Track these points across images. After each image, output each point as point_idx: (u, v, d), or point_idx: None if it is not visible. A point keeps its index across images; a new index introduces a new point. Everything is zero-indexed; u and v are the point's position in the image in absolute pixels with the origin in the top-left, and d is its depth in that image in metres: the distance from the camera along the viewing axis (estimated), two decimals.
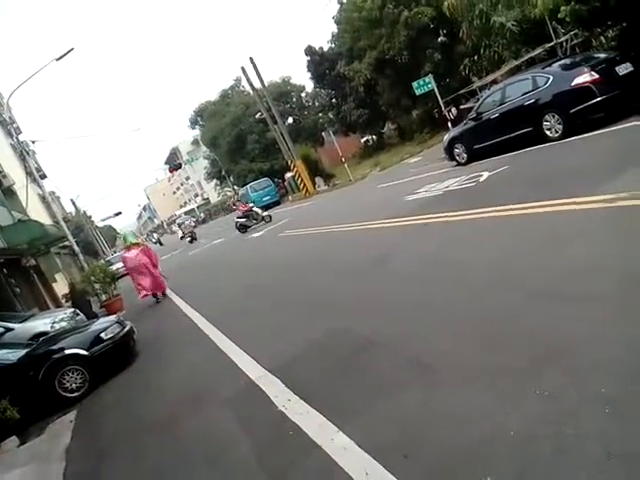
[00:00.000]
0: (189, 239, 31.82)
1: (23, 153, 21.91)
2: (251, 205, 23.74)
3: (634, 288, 3.39)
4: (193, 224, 60.06)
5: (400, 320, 4.69)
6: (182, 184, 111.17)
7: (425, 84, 21.77)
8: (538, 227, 5.55)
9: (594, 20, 13.89)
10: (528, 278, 4.33)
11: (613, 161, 6.87)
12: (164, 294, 13.43)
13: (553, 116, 10.08)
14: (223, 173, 48.96)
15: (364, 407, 3.42)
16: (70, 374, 7.10)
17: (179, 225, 44.33)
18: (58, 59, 18.24)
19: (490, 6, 19.80)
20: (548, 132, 10.26)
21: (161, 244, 41.68)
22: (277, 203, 34.48)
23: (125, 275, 22.55)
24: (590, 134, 9.28)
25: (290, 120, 42.65)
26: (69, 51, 18.13)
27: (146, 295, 13.18)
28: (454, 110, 21.81)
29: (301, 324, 5.91)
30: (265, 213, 22.82)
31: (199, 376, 5.81)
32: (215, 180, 56.75)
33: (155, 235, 62.60)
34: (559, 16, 14.40)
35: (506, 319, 3.78)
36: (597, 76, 9.47)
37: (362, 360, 4.19)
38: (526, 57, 18.42)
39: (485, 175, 9.85)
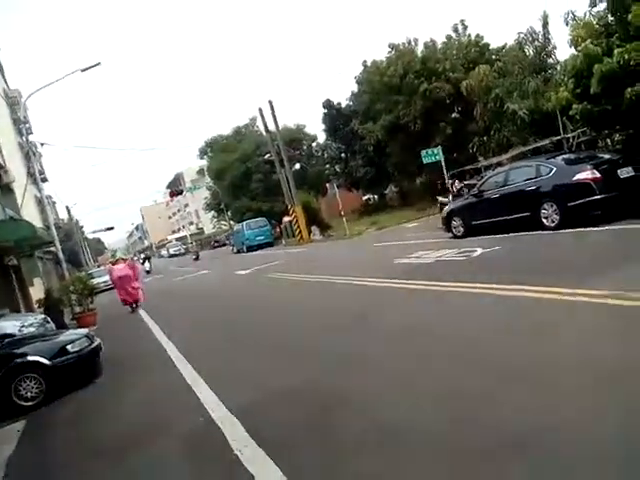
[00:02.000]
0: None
1: (29, 153, 22.01)
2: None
3: (604, 384, 3.39)
4: (183, 250, 62.10)
5: (374, 381, 4.60)
6: (179, 210, 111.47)
7: (433, 154, 22.28)
8: (522, 311, 5.55)
9: (603, 122, 14.43)
10: (501, 360, 4.30)
11: (604, 259, 6.98)
12: (137, 305, 15.60)
13: (551, 206, 10.31)
14: (222, 206, 49.15)
15: (322, 468, 3.30)
16: (27, 381, 6.85)
17: (146, 259, 42.72)
18: (83, 70, 18.62)
19: (506, 93, 20.65)
20: (545, 220, 10.45)
21: (142, 263, 41.64)
22: (270, 244, 34.51)
23: (107, 290, 22.48)
24: (584, 229, 9.47)
25: (297, 166, 43.23)
26: (95, 65, 18.54)
27: (126, 302, 15.70)
28: (457, 184, 22.25)
29: (273, 370, 5.78)
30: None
31: (159, 405, 5.63)
32: (213, 212, 56.86)
33: (142, 256, 62.23)
34: (570, 113, 14.97)
35: (476, 398, 3.70)
36: (599, 175, 9.76)
37: (329, 417, 4.07)
38: (533, 146, 19.00)
39: (478, 251, 9.94)
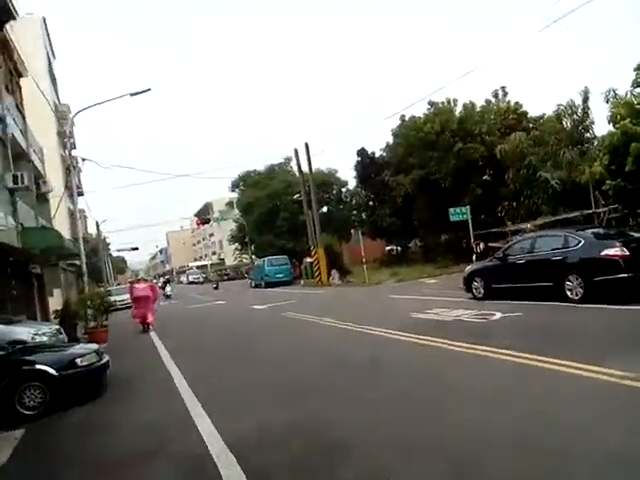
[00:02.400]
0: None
1: (70, 167, 22.75)
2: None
3: (615, 466, 3.24)
4: (202, 279, 62.96)
5: (378, 430, 4.51)
6: (204, 239, 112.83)
7: (461, 213, 22.27)
8: (537, 382, 5.40)
9: (636, 200, 14.33)
10: (508, 428, 4.19)
11: (627, 338, 6.82)
12: (149, 326, 16.04)
13: (576, 278, 10.15)
14: (246, 240, 49.66)
15: None
16: (32, 390, 6.87)
17: (166, 282, 42.72)
18: (133, 95, 19.37)
19: (540, 161, 20.78)
20: (568, 292, 10.27)
21: (164, 289, 41.40)
22: (288, 283, 34.51)
23: (123, 309, 22.86)
24: (608, 306, 9.28)
25: (324, 209, 43.64)
26: (146, 90, 19.27)
27: (138, 321, 16.24)
28: (482, 245, 22.11)
29: (275, 410, 5.70)
30: None
31: (158, 432, 5.56)
32: (237, 244, 57.45)
33: (162, 279, 62.79)
34: (603, 188, 14.96)
35: (477, 463, 3.60)
36: (627, 253, 9.62)
37: (326, 463, 3.97)
38: (563, 216, 18.92)
39: (497, 315, 9.80)
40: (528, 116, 28.55)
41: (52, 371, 7.04)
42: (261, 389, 6.79)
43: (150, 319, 16.20)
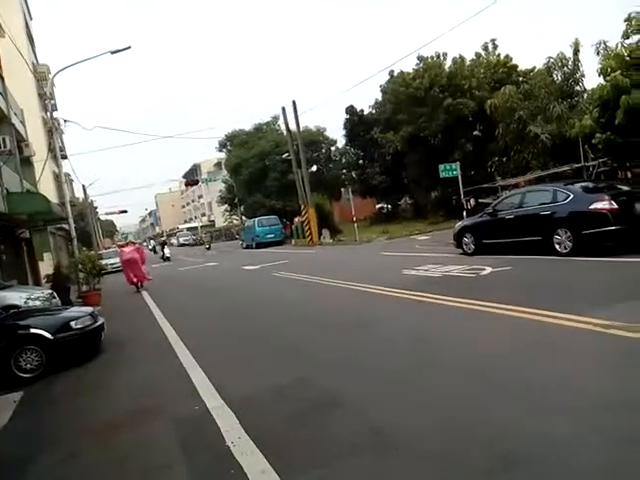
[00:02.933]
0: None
1: (52, 129, 22.20)
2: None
3: (599, 412, 3.35)
4: (192, 241, 62.46)
5: (372, 387, 4.60)
6: (193, 200, 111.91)
7: (451, 169, 22.20)
8: (526, 333, 5.52)
9: (625, 153, 14.35)
10: (501, 378, 4.29)
11: (613, 289, 6.95)
12: (142, 285, 16.96)
13: (565, 232, 10.25)
14: (236, 201, 49.31)
15: (311, 465, 3.32)
16: (28, 354, 6.93)
17: (163, 244, 39.76)
18: (113, 53, 18.73)
19: (529, 115, 20.63)
20: (557, 246, 10.40)
21: (155, 252, 40.83)
22: (279, 243, 34.55)
23: (114, 272, 23.08)
24: (596, 259, 9.42)
25: (314, 168, 43.29)
26: (126, 48, 18.63)
27: (132, 283, 16.79)
28: (472, 201, 22.20)
29: (272, 366, 5.81)
30: None
31: (155, 390, 5.66)
32: (226, 205, 57.07)
33: (152, 242, 62.49)
34: (592, 141, 14.93)
35: (473, 414, 3.69)
36: (616, 206, 9.69)
37: (323, 417, 4.08)
38: (552, 171, 18.94)
39: (487, 270, 9.92)
40: (518, 69, 28.17)
41: (47, 334, 7.09)
42: (252, 344, 6.90)
43: (143, 278, 16.90)
